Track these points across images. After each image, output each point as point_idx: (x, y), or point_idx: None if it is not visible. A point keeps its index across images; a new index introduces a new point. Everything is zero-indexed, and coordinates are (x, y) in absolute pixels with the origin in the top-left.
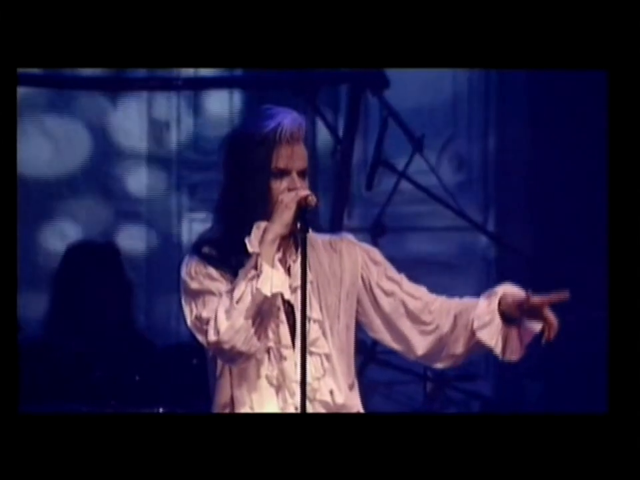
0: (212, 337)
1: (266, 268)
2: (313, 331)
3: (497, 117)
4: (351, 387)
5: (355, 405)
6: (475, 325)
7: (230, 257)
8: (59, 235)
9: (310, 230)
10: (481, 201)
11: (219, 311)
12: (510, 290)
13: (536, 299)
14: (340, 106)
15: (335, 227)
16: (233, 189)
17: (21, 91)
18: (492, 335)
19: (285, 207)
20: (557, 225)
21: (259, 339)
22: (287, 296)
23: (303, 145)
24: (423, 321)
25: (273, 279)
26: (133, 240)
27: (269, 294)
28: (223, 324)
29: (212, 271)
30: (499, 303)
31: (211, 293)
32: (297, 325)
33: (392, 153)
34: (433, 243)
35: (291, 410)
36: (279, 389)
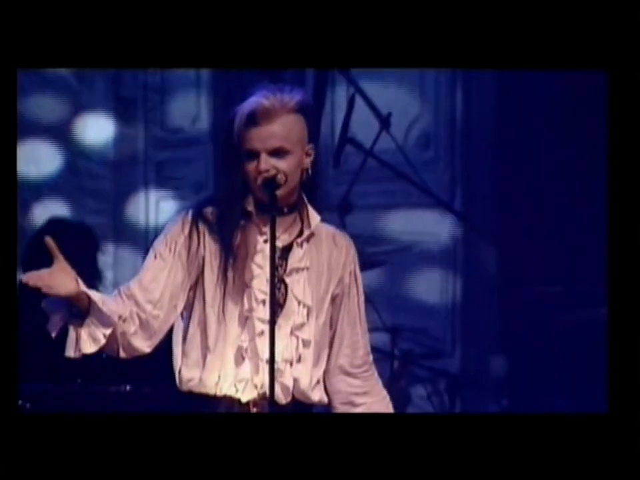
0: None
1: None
2: (301, 315)
3: (464, 95)
4: (317, 381)
5: (315, 398)
6: None
7: (226, 224)
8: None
9: (319, 219)
10: (447, 179)
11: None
12: None
13: None
14: (307, 83)
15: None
16: (222, 166)
17: None
18: None
19: (256, 187)
20: (530, 208)
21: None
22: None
23: (278, 123)
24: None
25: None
26: (99, 216)
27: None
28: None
29: (204, 233)
30: None
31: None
32: (285, 306)
33: (358, 130)
34: (400, 221)
35: (252, 387)
36: (242, 363)
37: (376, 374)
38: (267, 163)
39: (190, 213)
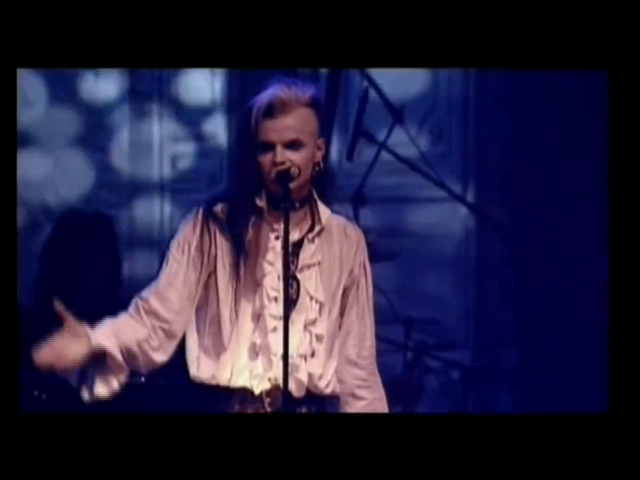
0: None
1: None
2: (314, 311)
3: (476, 89)
4: (331, 374)
5: (328, 391)
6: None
7: (237, 221)
8: (43, 207)
9: (330, 212)
10: (460, 172)
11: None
12: None
13: None
14: (320, 78)
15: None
16: (236, 159)
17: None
18: None
19: (270, 180)
20: (540, 200)
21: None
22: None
23: (293, 116)
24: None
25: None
26: (116, 208)
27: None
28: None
29: (215, 232)
30: None
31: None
32: (298, 302)
33: (372, 124)
34: (413, 213)
35: (266, 381)
36: (257, 358)
37: (376, 369)
38: (283, 155)
39: (201, 211)
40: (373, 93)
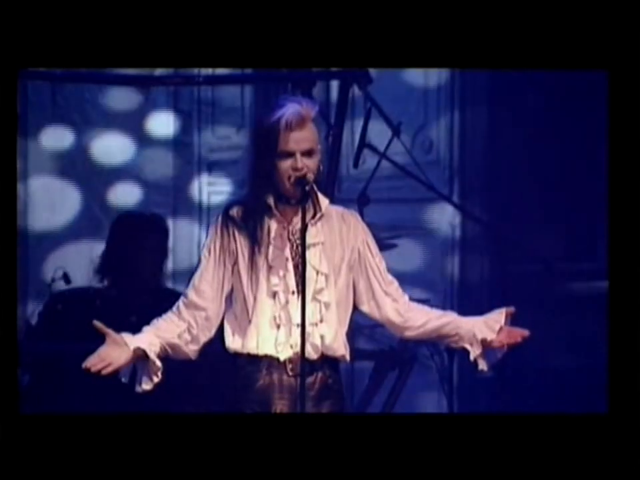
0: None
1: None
2: (320, 282)
3: (461, 109)
4: (341, 336)
5: (340, 353)
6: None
7: (250, 219)
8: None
9: (328, 202)
10: (447, 177)
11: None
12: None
13: (500, 339)
14: (331, 98)
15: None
16: (255, 166)
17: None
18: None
19: (289, 183)
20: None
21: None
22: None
23: (308, 129)
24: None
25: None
26: (162, 209)
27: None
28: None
29: (233, 230)
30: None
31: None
32: (305, 276)
33: (374, 137)
34: (408, 211)
35: (287, 348)
36: (279, 328)
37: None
38: (302, 162)
39: (220, 216)
40: (374, 112)
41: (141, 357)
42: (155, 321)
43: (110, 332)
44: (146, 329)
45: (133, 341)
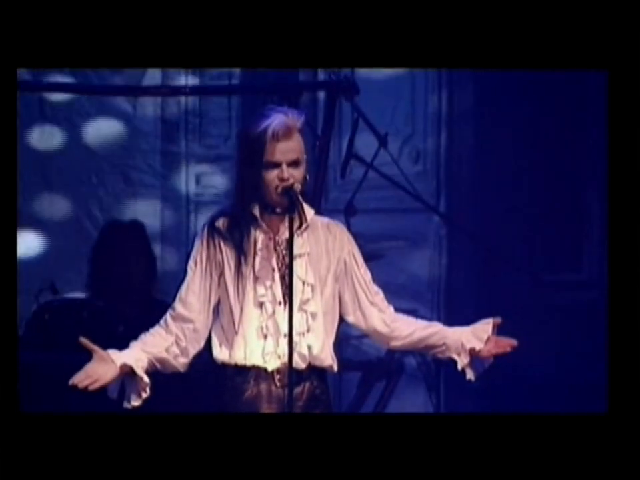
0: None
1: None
2: (306, 292)
3: (447, 121)
4: (328, 346)
5: (327, 363)
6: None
7: (236, 230)
8: (87, 214)
9: (314, 212)
10: (434, 188)
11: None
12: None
13: (489, 348)
14: (318, 108)
15: (314, 208)
16: (241, 176)
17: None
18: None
19: (275, 193)
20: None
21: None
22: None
23: (294, 139)
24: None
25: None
26: (149, 218)
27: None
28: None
29: (219, 241)
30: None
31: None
32: (292, 286)
33: (361, 147)
34: (395, 222)
35: (275, 358)
36: (266, 338)
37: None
38: (288, 172)
39: (205, 228)
40: (362, 123)
41: (128, 373)
42: (142, 336)
43: (96, 348)
44: (133, 344)
45: (120, 357)
